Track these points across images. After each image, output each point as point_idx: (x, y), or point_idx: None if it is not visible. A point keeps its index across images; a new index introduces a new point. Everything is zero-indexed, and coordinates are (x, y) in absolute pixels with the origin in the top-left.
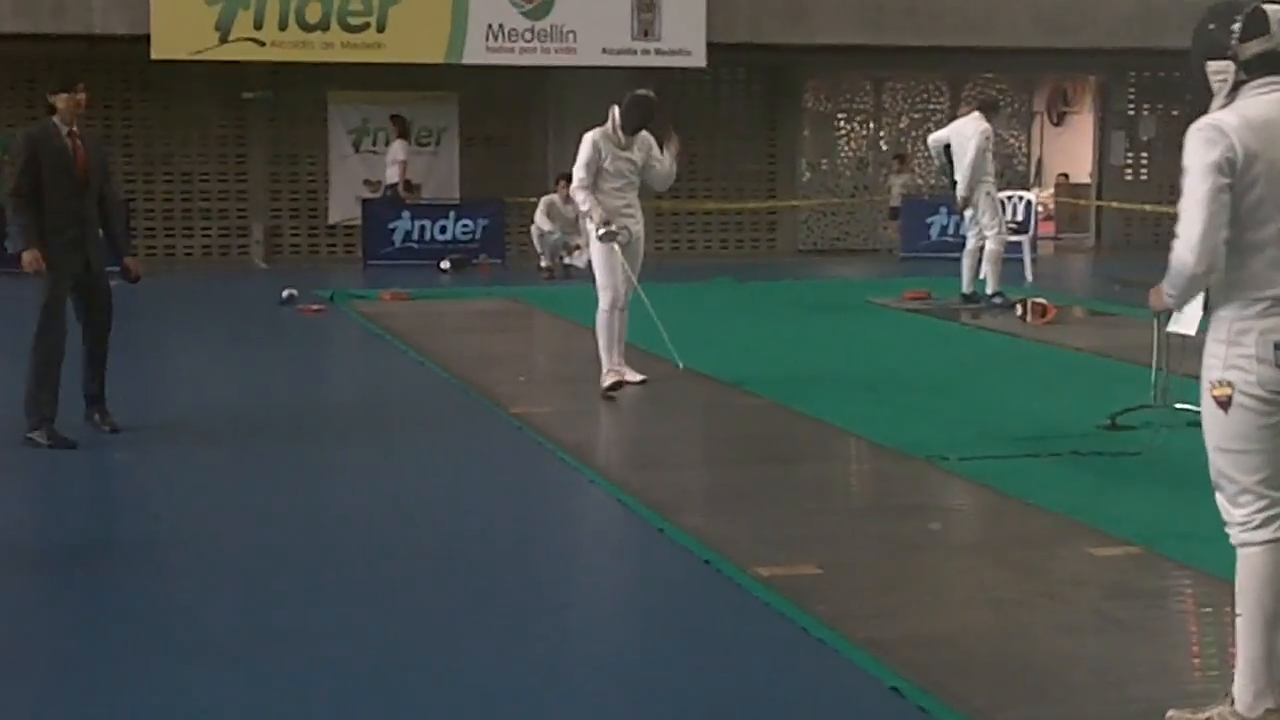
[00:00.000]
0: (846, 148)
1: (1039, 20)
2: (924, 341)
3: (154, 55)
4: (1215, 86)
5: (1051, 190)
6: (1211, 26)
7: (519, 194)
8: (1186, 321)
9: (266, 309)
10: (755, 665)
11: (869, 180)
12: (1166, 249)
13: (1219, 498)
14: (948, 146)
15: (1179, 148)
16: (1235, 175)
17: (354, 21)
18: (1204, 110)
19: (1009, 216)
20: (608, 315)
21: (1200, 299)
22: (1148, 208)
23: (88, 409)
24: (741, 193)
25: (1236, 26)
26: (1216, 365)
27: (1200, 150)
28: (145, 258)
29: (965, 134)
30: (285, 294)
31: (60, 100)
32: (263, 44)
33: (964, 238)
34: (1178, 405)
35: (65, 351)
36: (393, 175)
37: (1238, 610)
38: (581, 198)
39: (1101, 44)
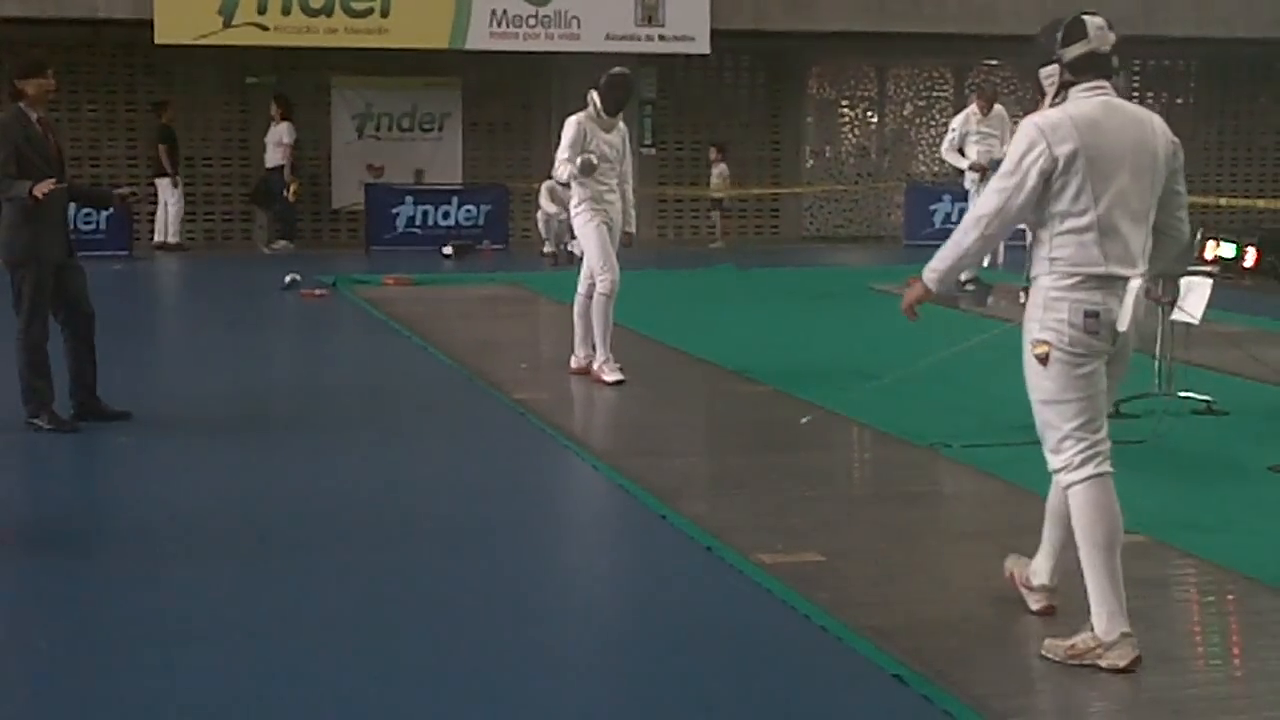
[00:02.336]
0: (850, 135)
1: (1043, 7)
2: (926, 328)
3: (158, 40)
4: (1046, 89)
5: None
6: (1040, 39)
7: (522, 180)
8: (1190, 310)
9: (269, 294)
10: (757, 653)
11: (873, 167)
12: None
13: (1045, 441)
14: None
15: (1182, 137)
16: (1053, 173)
17: (358, 7)
18: (1200, 100)
19: None
20: (606, 301)
21: (1206, 294)
22: None
23: (79, 406)
24: (745, 179)
25: (1059, 34)
26: (1035, 327)
27: (1022, 147)
28: (147, 242)
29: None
30: (288, 279)
31: (30, 85)
32: (266, 29)
33: None
34: (1181, 393)
35: (50, 335)
36: (278, 157)
37: (1080, 543)
38: (563, 171)
39: None
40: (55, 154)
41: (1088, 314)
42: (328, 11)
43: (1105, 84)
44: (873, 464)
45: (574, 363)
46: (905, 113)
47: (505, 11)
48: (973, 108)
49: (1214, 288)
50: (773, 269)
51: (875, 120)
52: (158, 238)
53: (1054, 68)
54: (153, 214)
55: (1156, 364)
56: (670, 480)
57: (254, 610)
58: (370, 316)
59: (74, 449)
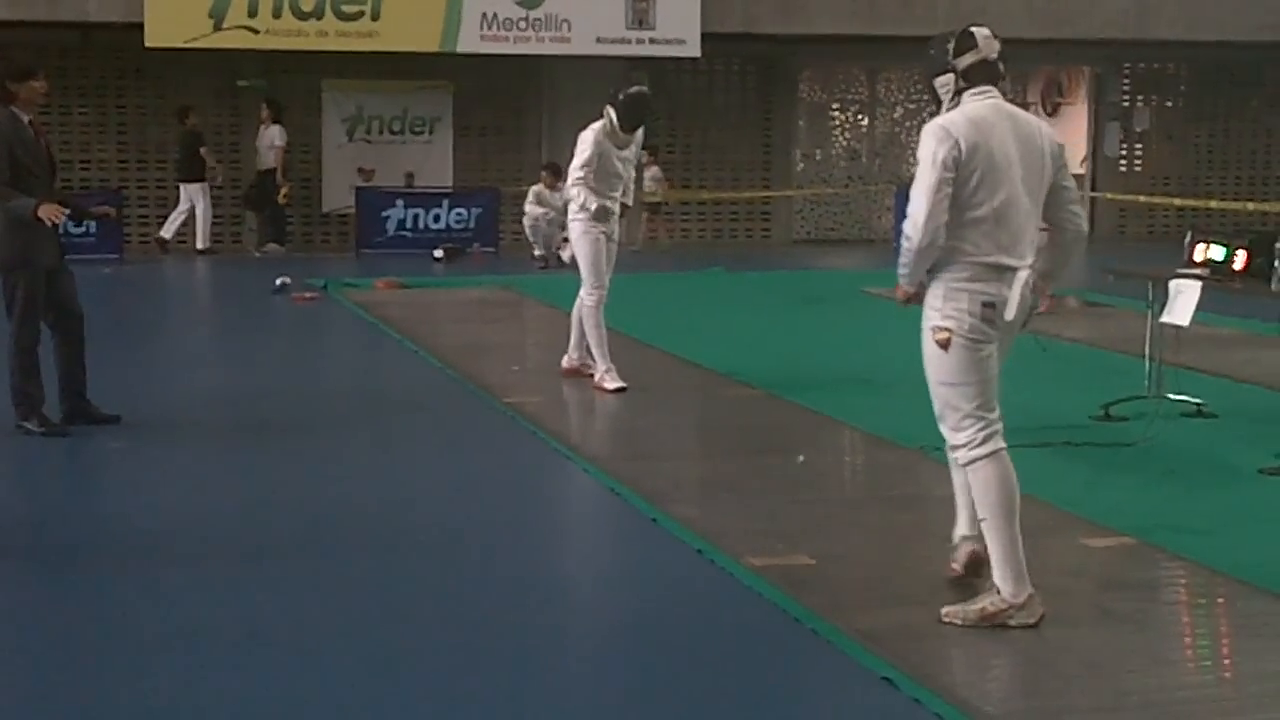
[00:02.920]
0: (841, 138)
1: (1033, 11)
2: (918, 332)
3: (148, 43)
4: (943, 96)
5: None
6: (933, 51)
7: (513, 183)
8: (1180, 313)
9: (260, 297)
10: (747, 656)
11: (864, 170)
12: (1160, 240)
13: (943, 428)
14: None
15: (1173, 140)
16: (959, 167)
17: (348, 10)
18: (1191, 103)
19: None
20: (596, 313)
21: (1195, 297)
22: (1142, 199)
23: (69, 409)
24: (736, 183)
25: (951, 45)
26: (936, 315)
27: (931, 146)
28: (139, 245)
29: None
30: (279, 282)
31: (22, 89)
32: (257, 32)
33: None
34: (1171, 396)
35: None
36: (271, 160)
37: (981, 516)
38: (576, 192)
39: (1095, 35)
40: (47, 157)
41: (985, 304)
42: (318, 14)
43: (994, 89)
44: (863, 467)
45: (565, 362)
46: (896, 116)
47: (496, 14)
48: None
49: (1203, 290)
50: (764, 272)
51: (866, 123)
52: (199, 244)
53: (949, 76)
54: (145, 218)
55: (1147, 367)
56: (661, 483)
57: (246, 613)
58: (361, 320)
59: (64, 453)
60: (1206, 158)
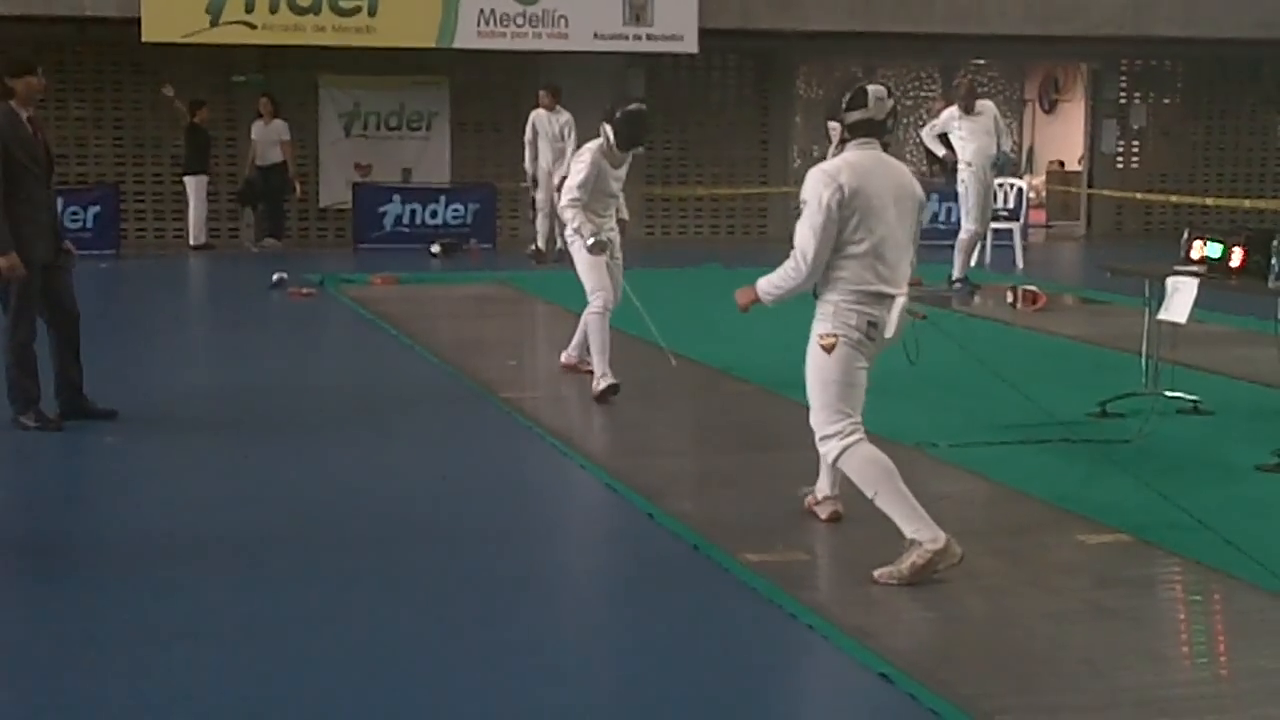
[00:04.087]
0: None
1: (1030, 8)
2: (913, 329)
3: (145, 38)
4: (832, 138)
5: (1043, 178)
6: (833, 96)
7: (510, 179)
8: (1177, 310)
9: (257, 293)
10: (743, 651)
11: None
12: (1157, 237)
13: (815, 422)
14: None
15: (1170, 137)
16: (842, 207)
17: (345, 5)
18: (1188, 100)
19: (1000, 204)
20: (600, 319)
21: (1192, 294)
22: (1139, 196)
23: (65, 404)
24: (733, 179)
25: (845, 99)
26: (825, 325)
27: (819, 190)
28: (135, 240)
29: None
30: (275, 278)
31: (19, 84)
32: (254, 27)
33: (955, 225)
34: (1168, 393)
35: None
36: (278, 154)
37: (871, 494)
38: (571, 215)
39: (1093, 32)
40: (44, 154)
41: (870, 323)
42: (315, 10)
43: (875, 142)
44: None
45: (563, 357)
46: None
47: (493, 10)
48: (954, 108)
49: (1200, 288)
50: (760, 268)
51: None
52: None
53: (836, 124)
54: (141, 213)
55: (1143, 364)
56: (657, 479)
57: (241, 608)
58: (358, 315)
59: (60, 447)
60: (1203, 155)
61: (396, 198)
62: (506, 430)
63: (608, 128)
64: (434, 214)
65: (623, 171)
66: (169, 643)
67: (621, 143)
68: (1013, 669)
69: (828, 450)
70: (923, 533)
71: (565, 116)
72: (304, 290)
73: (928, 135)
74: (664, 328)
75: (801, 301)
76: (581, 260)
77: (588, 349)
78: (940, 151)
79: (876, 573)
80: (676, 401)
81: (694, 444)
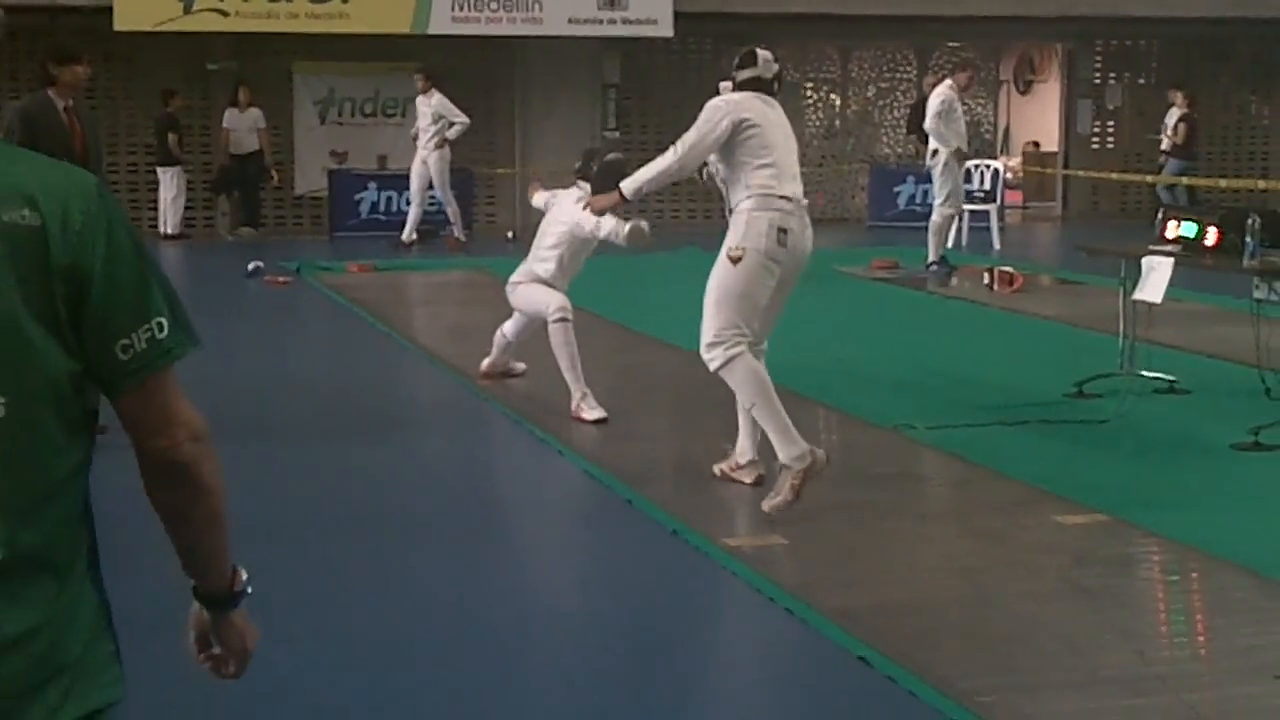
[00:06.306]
0: (814, 117)
1: None
2: (891, 310)
3: (117, 26)
4: (722, 94)
5: (1019, 159)
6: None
7: (485, 165)
8: (1152, 289)
9: (233, 281)
10: (722, 635)
11: (837, 149)
12: (1133, 217)
13: (704, 332)
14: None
15: (1145, 116)
16: (737, 127)
17: None
18: (1163, 80)
19: (975, 185)
20: (564, 328)
21: (1167, 274)
22: (1114, 176)
23: None
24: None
25: (736, 60)
26: (735, 239)
27: (714, 104)
28: None
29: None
30: (251, 266)
31: (66, 72)
32: (227, 14)
33: (931, 207)
34: (1144, 373)
35: None
36: (254, 142)
37: (748, 404)
38: (547, 271)
39: (1068, 12)
40: (79, 145)
41: (780, 230)
42: None
43: (764, 95)
44: (837, 446)
45: (484, 364)
46: (869, 94)
47: None
48: (949, 82)
49: (1175, 267)
50: None
51: (839, 102)
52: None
53: (728, 83)
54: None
55: (1120, 344)
56: (636, 464)
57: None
58: (335, 303)
59: None
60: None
61: (372, 185)
62: (485, 417)
63: (585, 185)
64: (410, 201)
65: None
66: (136, 630)
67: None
68: (991, 649)
69: (711, 358)
70: (790, 451)
71: (436, 98)
72: (280, 278)
73: (934, 120)
74: (643, 312)
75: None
76: (524, 292)
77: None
78: (953, 144)
79: (765, 505)
80: (655, 387)
81: (672, 429)
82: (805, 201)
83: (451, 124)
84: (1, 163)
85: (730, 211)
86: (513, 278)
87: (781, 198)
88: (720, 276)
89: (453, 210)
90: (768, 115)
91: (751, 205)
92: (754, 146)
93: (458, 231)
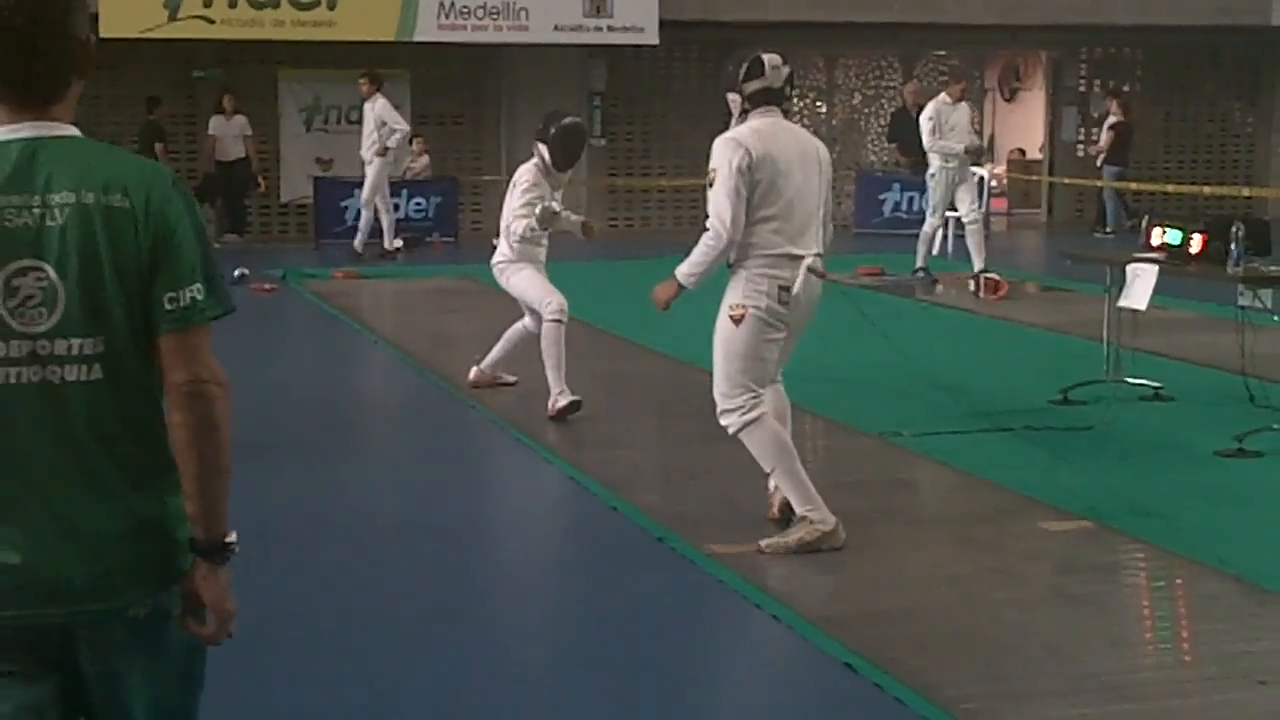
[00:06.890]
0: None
1: None
2: (877, 317)
3: (102, 34)
4: (732, 110)
5: (1004, 166)
6: (730, 69)
7: (472, 172)
8: (1137, 296)
9: None
10: (709, 642)
11: None
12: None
13: (718, 396)
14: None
15: (1128, 125)
16: (749, 172)
17: None
18: (1147, 88)
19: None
20: (558, 328)
21: (1152, 281)
22: (1099, 184)
23: None
24: (695, 170)
25: (742, 70)
26: (736, 296)
27: (727, 155)
28: None
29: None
30: (237, 273)
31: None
32: (212, 22)
33: (920, 213)
34: (1129, 380)
35: None
36: (241, 149)
37: (769, 470)
38: (520, 224)
39: (1053, 20)
40: None
41: (781, 288)
42: (274, 4)
43: (776, 109)
44: (824, 453)
45: (473, 373)
46: (854, 102)
47: (453, 3)
48: (944, 95)
49: (1160, 274)
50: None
51: (824, 110)
52: None
53: (736, 95)
54: None
55: (1105, 351)
56: (622, 472)
57: None
58: (321, 311)
59: None
60: (1162, 141)
61: (358, 192)
62: (471, 424)
63: (542, 148)
64: (396, 208)
65: (560, 194)
66: None
67: (559, 162)
68: (977, 656)
69: (729, 423)
70: (815, 512)
71: (381, 102)
72: (266, 286)
73: (929, 132)
74: (627, 320)
75: None
76: (520, 280)
77: (501, 361)
78: (958, 147)
79: (763, 543)
80: (641, 394)
81: (659, 437)
82: (820, 252)
83: (394, 131)
84: (104, 158)
85: (729, 265)
86: (495, 259)
87: (782, 257)
88: (724, 335)
89: (387, 220)
90: (780, 147)
91: (750, 264)
92: (760, 192)
93: (387, 241)
